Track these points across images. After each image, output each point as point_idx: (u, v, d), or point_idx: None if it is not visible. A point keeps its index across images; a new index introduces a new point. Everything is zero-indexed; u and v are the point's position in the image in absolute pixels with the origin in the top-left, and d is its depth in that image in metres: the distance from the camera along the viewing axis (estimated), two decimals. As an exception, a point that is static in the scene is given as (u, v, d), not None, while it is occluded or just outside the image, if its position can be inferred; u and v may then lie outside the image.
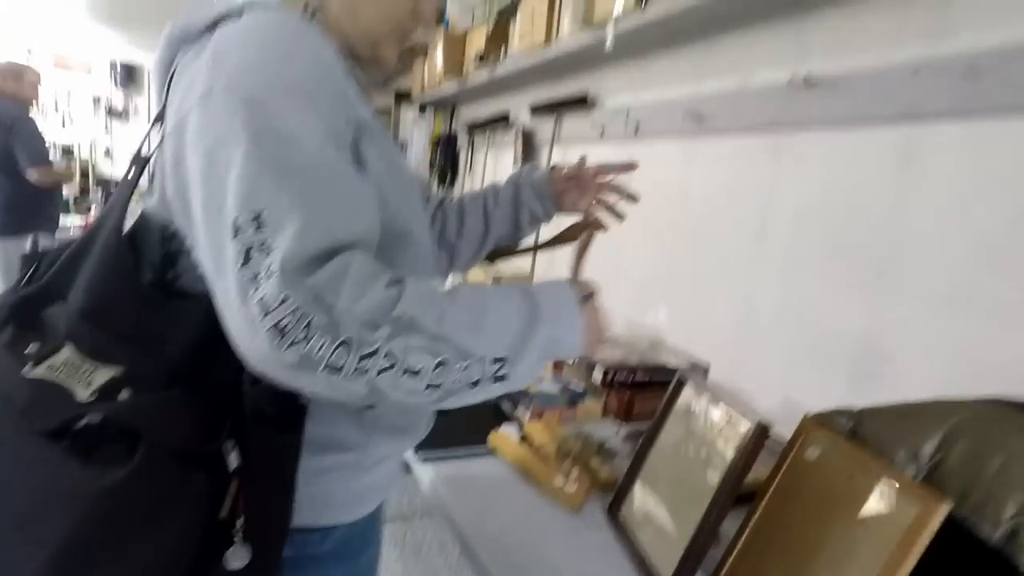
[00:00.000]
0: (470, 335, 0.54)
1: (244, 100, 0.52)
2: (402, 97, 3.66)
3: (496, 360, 0.55)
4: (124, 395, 0.55)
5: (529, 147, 2.28)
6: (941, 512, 0.56)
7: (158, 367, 0.56)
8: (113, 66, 5.97)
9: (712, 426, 0.83)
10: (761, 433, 0.75)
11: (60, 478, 0.52)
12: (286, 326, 0.48)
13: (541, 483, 1.00)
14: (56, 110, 5.83)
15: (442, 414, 0.79)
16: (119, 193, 0.63)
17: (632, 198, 0.94)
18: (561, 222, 0.94)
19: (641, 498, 0.90)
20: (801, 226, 1.22)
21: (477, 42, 2.27)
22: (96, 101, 6.01)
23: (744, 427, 0.77)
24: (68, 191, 4.86)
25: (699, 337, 1.47)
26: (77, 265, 0.60)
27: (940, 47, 0.97)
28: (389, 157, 0.63)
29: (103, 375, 0.55)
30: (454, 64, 2.49)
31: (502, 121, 2.49)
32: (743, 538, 0.75)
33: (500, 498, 0.98)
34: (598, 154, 0.98)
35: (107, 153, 6.08)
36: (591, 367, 1.36)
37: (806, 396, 1.18)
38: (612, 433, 1.20)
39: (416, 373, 0.52)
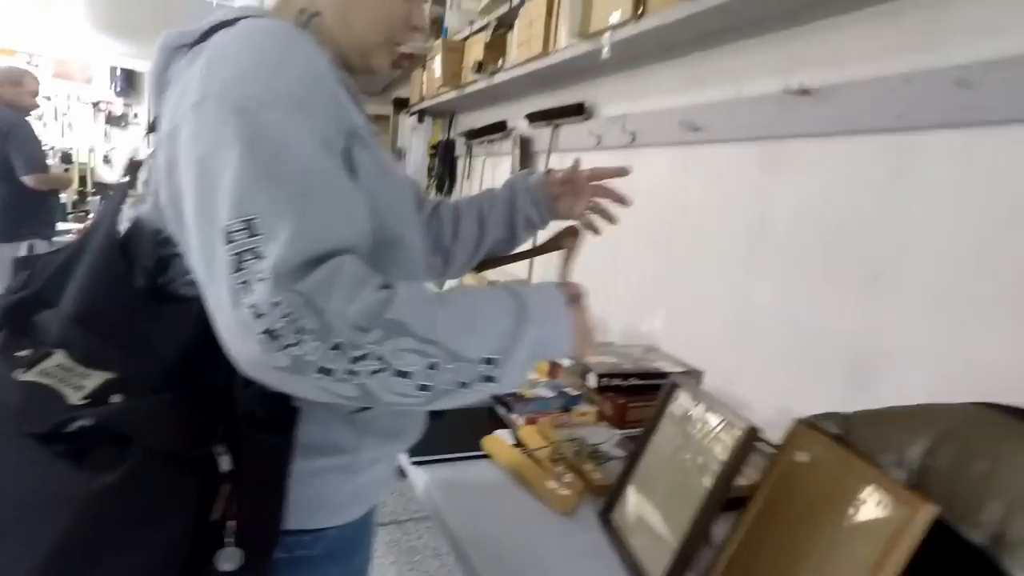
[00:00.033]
0: (460, 336, 0.54)
1: (237, 108, 0.52)
2: (401, 105, 3.68)
3: (485, 361, 0.55)
4: (116, 399, 0.55)
5: (526, 155, 2.29)
6: (928, 515, 0.57)
7: (150, 371, 0.57)
8: (113, 74, 6.00)
9: (704, 431, 0.84)
10: (750, 437, 0.75)
11: (51, 481, 0.53)
12: (278, 330, 0.48)
13: (535, 487, 1.00)
14: (56, 118, 5.85)
15: (436, 417, 0.79)
16: (112, 199, 0.64)
17: (624, 201, 0.94)
18: (555, 228, 0.94)
19: (633, 502, 0.91)
20: (795, 234, 1.23)
21: (475, 51, 2.29)
22: (96, 108, 6.03)
23: (734, 432, 0.78)
24: (66, 197, 4.87)
25: (694, 343, 1.47)
26: (70, 270, 0.61)
27: (932, 58, 0.98)
28: (381, 164, 0.64)
29: (95, 379, 0.56)
30: (452, 73, 2.51)
31: (500, 129, 2.50)
32: (734, 541, 0.75)
33: (494, 502, 0.98)
34: (594, 162, 0.98)
35: (106, 160, 6.11)
36: (585, 372, 1.36)
37: (801, 401, 1.18)
38: (606, 438, 1.20)
39: (407, 375, 0.52)
